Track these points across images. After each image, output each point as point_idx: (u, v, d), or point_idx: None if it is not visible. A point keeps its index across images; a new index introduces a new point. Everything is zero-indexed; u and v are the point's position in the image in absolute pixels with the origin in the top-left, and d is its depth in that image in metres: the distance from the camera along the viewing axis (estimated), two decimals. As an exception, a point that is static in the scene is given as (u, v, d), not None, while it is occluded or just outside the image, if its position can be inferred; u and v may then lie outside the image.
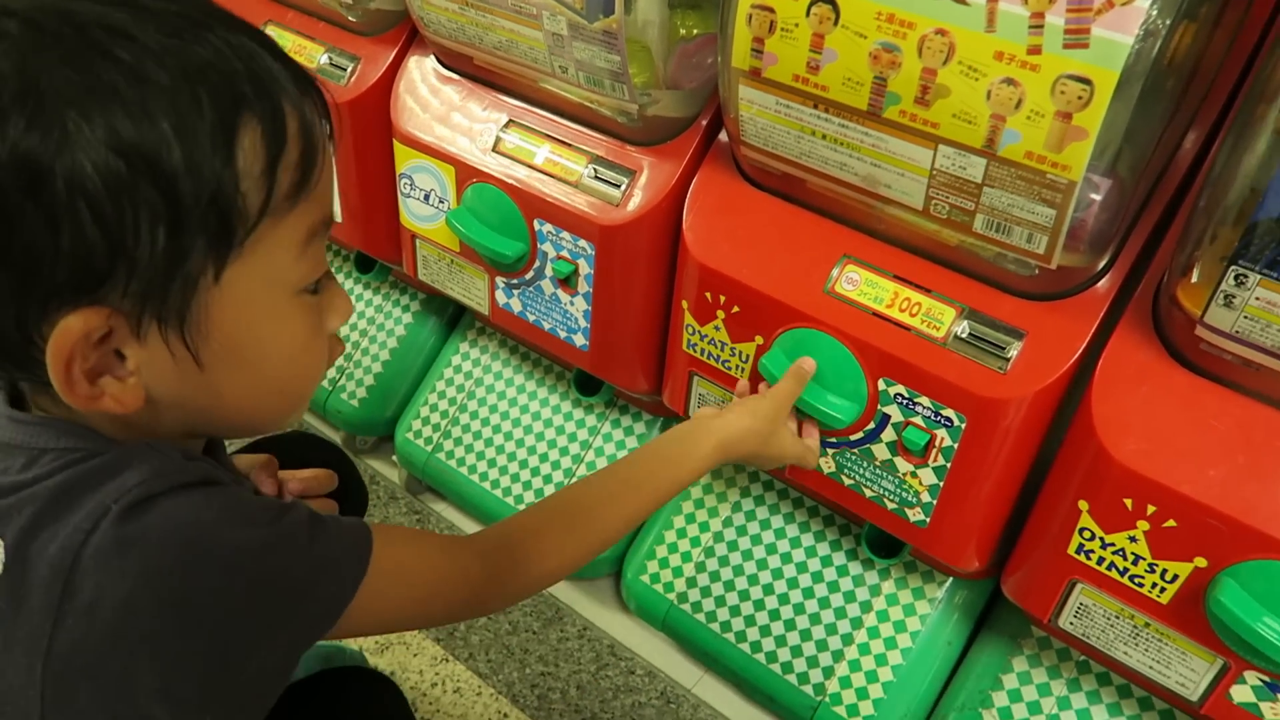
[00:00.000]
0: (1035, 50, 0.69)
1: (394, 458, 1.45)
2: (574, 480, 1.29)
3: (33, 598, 0.50)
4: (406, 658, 1.22)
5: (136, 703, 0.51)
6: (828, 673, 1.10)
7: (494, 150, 1.11)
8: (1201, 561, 0.77)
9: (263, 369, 0.55)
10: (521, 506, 1.32)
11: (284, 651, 0.57)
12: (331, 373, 1.50)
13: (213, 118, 0.47)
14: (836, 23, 0.76)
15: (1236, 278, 0.69)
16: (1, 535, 0.50)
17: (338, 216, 1.33)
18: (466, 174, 1.13)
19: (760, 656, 1.13)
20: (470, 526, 1.40)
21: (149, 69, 0.46)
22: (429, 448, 1.39)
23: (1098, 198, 0.77)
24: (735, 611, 1.16)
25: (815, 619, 1.13)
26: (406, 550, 0.65)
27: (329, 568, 0.57)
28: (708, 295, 0.98)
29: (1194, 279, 0.74)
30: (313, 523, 0.57)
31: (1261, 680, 0.81)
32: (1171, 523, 0.77)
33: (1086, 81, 0.68)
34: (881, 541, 1.12)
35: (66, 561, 0.49)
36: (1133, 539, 0.80)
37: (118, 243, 0.47)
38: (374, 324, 1.50)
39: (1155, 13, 0.66)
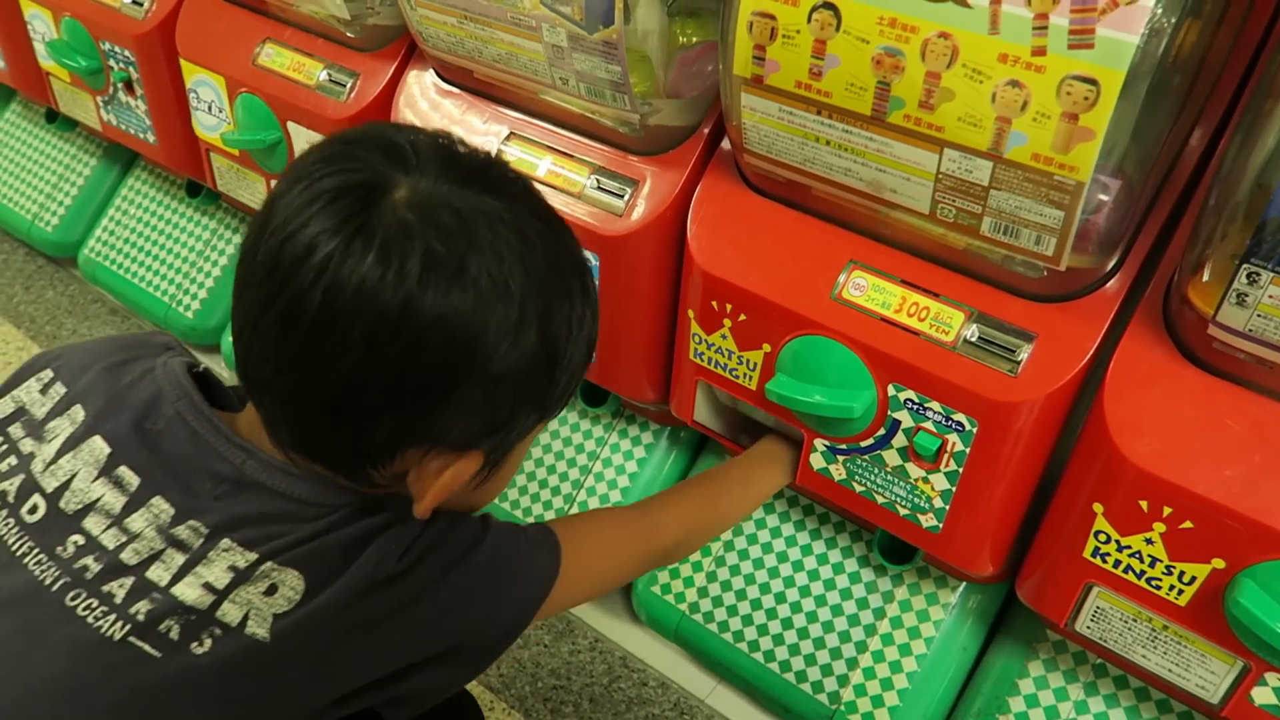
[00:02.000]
0: (1040, 51, 0.68)
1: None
2: (583, 489, 1.29)
3: (318, 616, 0.60)
4: (418, 674, 1.22)
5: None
6: (842, 681, 1.09)
7: (495, 163, 1.11)
8: (1219, 563, 0.76)
9: (501, 482, 0.71)
10: (529, 519, 1.31)
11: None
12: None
13: (590, 329, 0.66)
14: (838, 28, 0.75)
15: (1249, 276, 0.68)
16: (304, 574, 0.60)
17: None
18: (468, 187, 1.12)
19: (774, 666, 1.13)
20: (479, 540, 1.39)
21: (571, 290, 0.63)
22: (436, 462, 1.38)
23: (1106, 198, 0.76)
24: (748, 621, 1.16)
25: (828, 627, 1.12)
26: (594, 549, 0.81)
27: (528, 578, 0.71)
28: (714, 304, 0.97)
29: (1205, 278, 0.73)
30: (511, 534, 0.71)
31: (1283, 681, 0.80)
32: (1188, 524, 0.76)
33: (1092, 82, 0.67)
34: (894, 547, 1.12)
35: (357, 588, 0.60)
36: (1149, 541, 0.79)
37: (515, 410, 0.62)
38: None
39: (1160, 11, 0.65)
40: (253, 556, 0.59)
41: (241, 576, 0.59)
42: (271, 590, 0.59)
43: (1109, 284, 0.83)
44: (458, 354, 0.57)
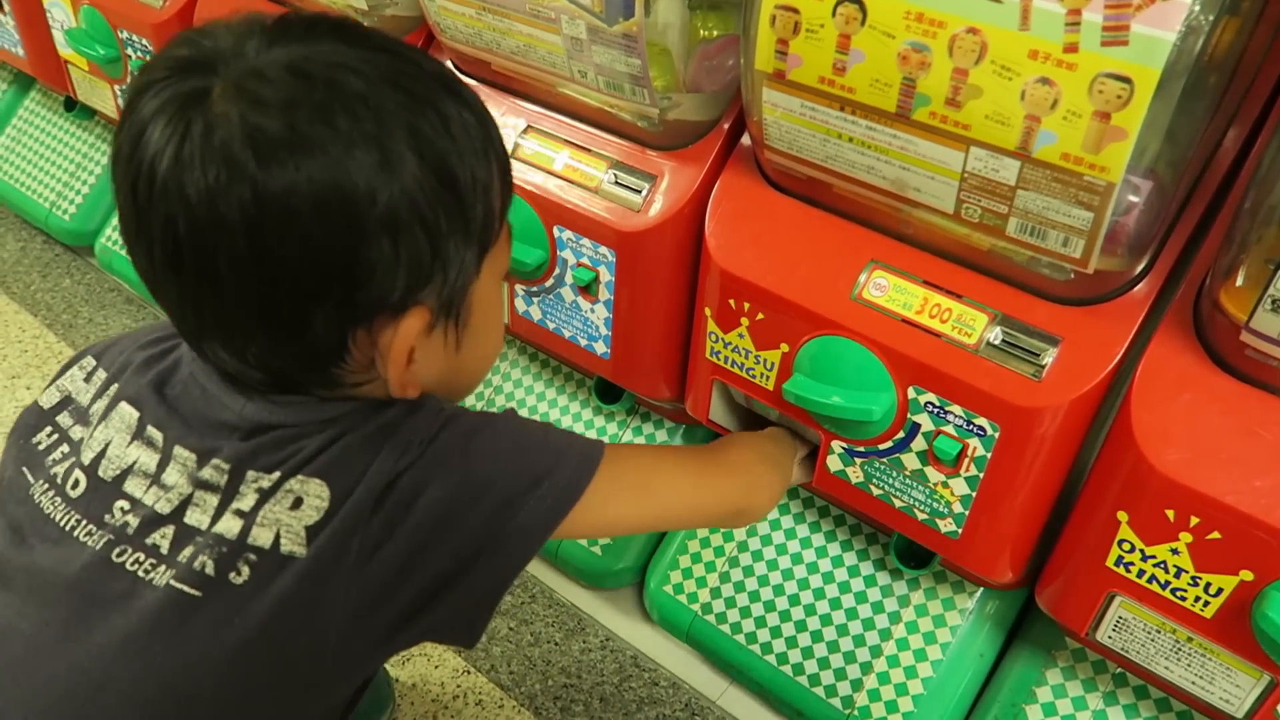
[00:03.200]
0: (1072, 48, 0.67)
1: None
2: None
3: (350, 520, 0.59)
4: (428, 670, 1.21)
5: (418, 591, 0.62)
6: (856, 685, 1.08)
7: (513, 156, 1.10)
8: (1247, 575, 0.74)
9: (486, 343, 0.69)
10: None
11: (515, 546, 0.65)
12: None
13: (479, 135, 0.61)
14: (864, 23, 0.74)
15: (1285, 282, 0.66)
16: (328, 481, 0.60)
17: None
18: (485, 181, 1.11)
19: (787, 669, 1.11)
20: (491, 536, 1.38)
21: (436, 102, 0.58)
22: (449, 456, 1.38)
23: (1137, 200, 0.74)
24: (761, 623, 1.14)
25: (843, 630, 1.11)
26: (647, 458, 0.79)
27: (564, 451, 0.68)
28: (731, 302, 0.96)
29: (1238, 282, 0.71)
30: (543, 424, 0.71)
31: (1310, 697, 0.79)
32: (1215, 534, 0.74)
33: (1126, 80, 0.65)
34: (910, 551, 1.10)
35: (382, 483, 0.60)
36: (1175, 551, 0.77)
37: (437, 248, 0.59)
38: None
39: (1198, 8, 0.63)
40: (275, 476, 0.60)
41: (265, 496, 0.60)
42: (297, 504, 0.59)
43: (1138, 287, 0.81)
44: (339, 218, 0.54)
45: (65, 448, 0.65)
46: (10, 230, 2.02)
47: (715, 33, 0.98)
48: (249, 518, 0.59)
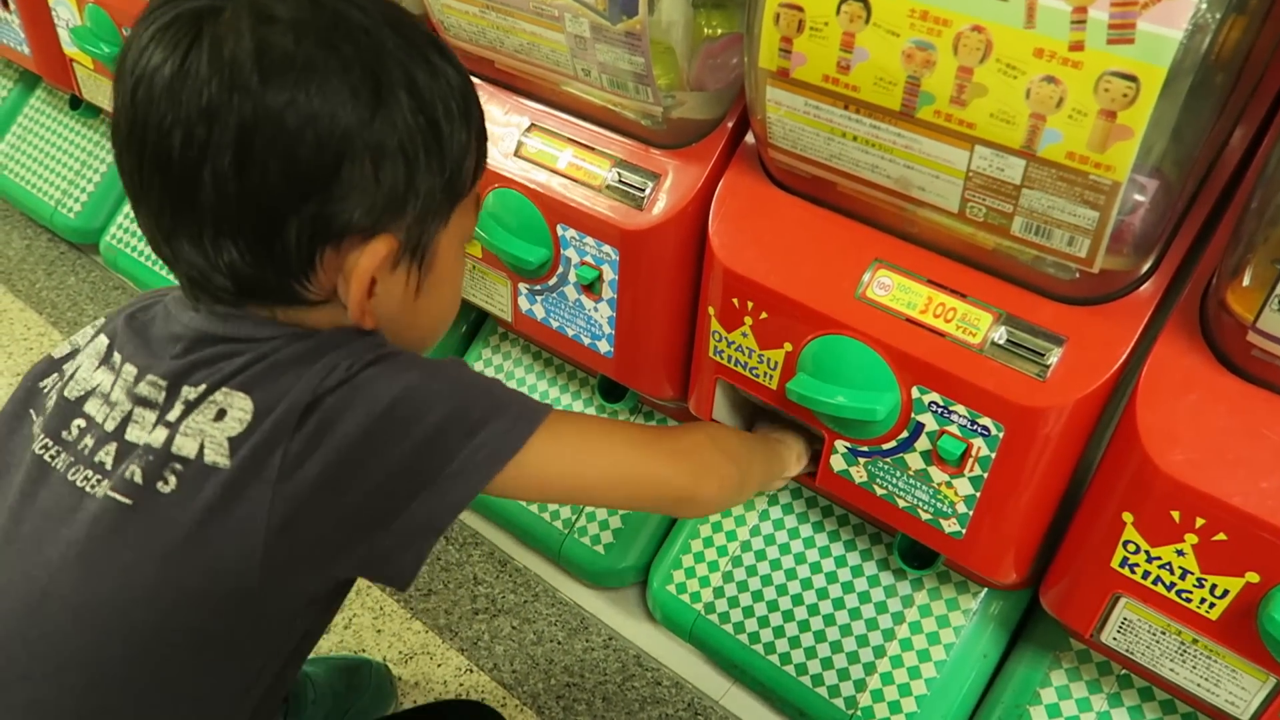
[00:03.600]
0: (1077, 46, 0.66)
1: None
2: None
3: (271, 434, 0.60)
4: (430, 668, 1.21)
5: (340, 527, 0.62)
6: (859, 686, 1.07)
7: (516, 155, 1.10)
8: (1253, 576, 0.74)
9: (443, 300, 0.72)
10: (545, 515, 1.30)
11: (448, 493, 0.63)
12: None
13: (462, 91, 0.65)
14: (868, 21, 0.73)
15: (1292, 282, 0.66)
16: (252, 395, 0.61)
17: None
18: (488, 179, 1.11)
19: (790, 669, 1.11)
20: (493, 534, 1.38)
21: (428, 53, 0.62)
22: (452, 455, 1.37)
23: (1142, 199, 0.74)
24: (764, 622, 1.14)
25: (846, 630, 1.10)
26: (591, 425, 0.75)
27: (502, 402, 0.66)
28: (735, 301, 0.95)
29: (1245, 282, 0.71)
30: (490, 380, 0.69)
31: (1316, 699, 0.78)
32: (1221, 536, 0.74)
33: (1132, 78, 0.65)
34: (914, 551, 1.10)
35: (304, 400, 0.60)
36: (1180, 553, 0.77)
37: (413, 181, 0.62)
38: (396, 330, 1.49)
39: (1204, 6, 0.63)
40: (202, 388, 0.61)
41: (190, 407, 0.61)
42: (220, 415, 0.60)
43: (1143, 287, 0.80)
44: (329, 139, 0.58)
45: (56, 376, 0.69)
46: (16, 228, 2.03)
47: (719, 31, 0.97)
48: (174, 428, 0.61)
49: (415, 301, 0.68)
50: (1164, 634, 0.83)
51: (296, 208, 0.59)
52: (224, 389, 0.61)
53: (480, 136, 0.68)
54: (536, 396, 1.34)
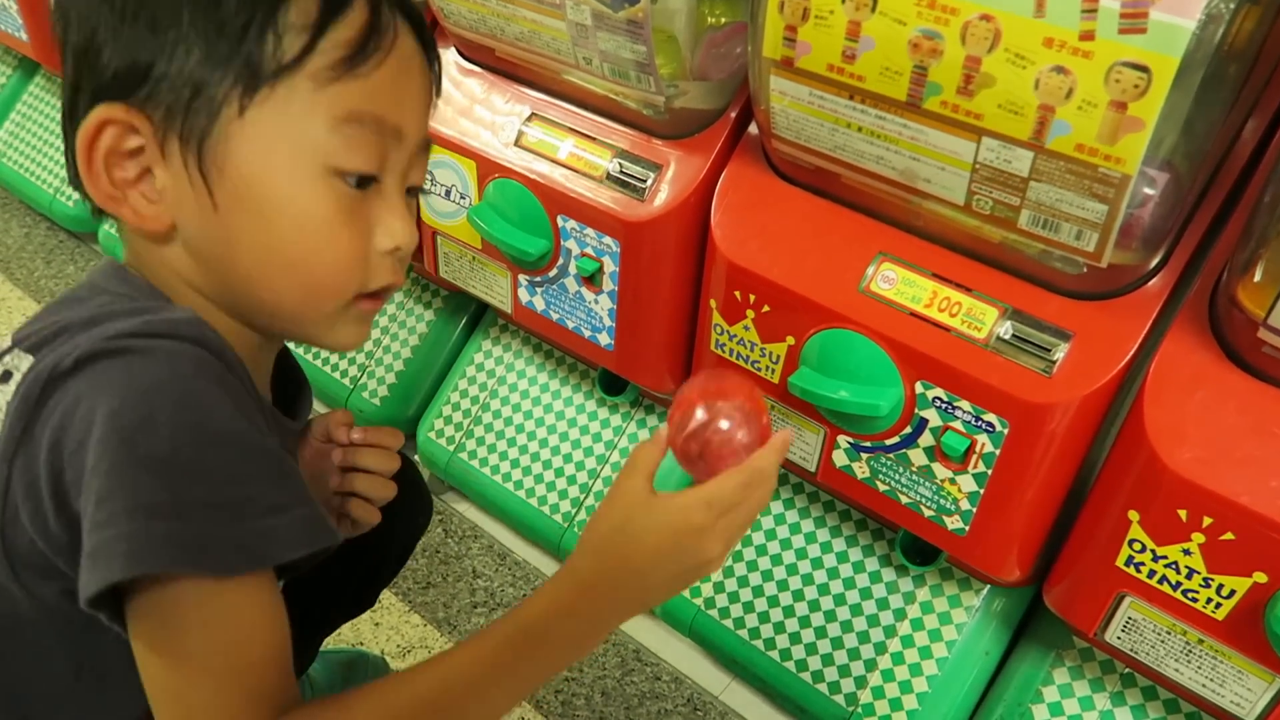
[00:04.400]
0: (1088, 36, 0.65)
1: (416, 457, 1.43)
2: (599, 479, 1.27)
3: (18, 409, 0.53)
4: (429, 662, 1.20)
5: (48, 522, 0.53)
6: (860, 682, 1.07)
7: (516, 144, 1.08)
8: (1261, 576, 0.73)
9: (273, 228, 0.56)
10: (545, 508, 1.29)
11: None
12: (353, 370, 1.48)
13: None
14: (874, 9, 0.72)
15: (1305, 278, 0.65)
16: (35, 358, 0.54)
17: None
18: (488, 169, 1.10)
19: (790, 664, 1.10)
20: (493, 527, 1.37)
21: None
22: (451, 447, 1.37)
23: (1152, 192, 0.73)
24: (764, 618, 1.13)
25: (847, 626, 1.09)
26: (266, 629, 0.54)
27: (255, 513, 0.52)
28: (737, 294, 0.94)
29: (1256, 277, 0.70)
30: (283, 477, 0.54)
31: (1323, 701, 0.77)
32: (1229, 535, 0.73)
33: (1144, 69, 0.64)
34: (916, 547, 1.09)
35: (35, 390, 0.52)
36: (1187, 552, 0.76)
37: (162, 42, 0.52)
38: (396, 321, 1.48)
39: (1219, -5, 0.62)
40: (6, 343, 0.57)
41: (5, 375, 0.55)
42: (6, 377, 0.55)
43: (1152, 282, 0.79)
44: None
45: None
46: (14, 216, 2.02)
47: (723, 19, 0.96)
48: None
49: (220, 221, 0.55)
50: (1169, 634, 0.82)
51: (79, 82, 0.56)
52: (17, 350, 0.55)
53: (329, 9, 0.54)
54: (537, 390, 1.34)
